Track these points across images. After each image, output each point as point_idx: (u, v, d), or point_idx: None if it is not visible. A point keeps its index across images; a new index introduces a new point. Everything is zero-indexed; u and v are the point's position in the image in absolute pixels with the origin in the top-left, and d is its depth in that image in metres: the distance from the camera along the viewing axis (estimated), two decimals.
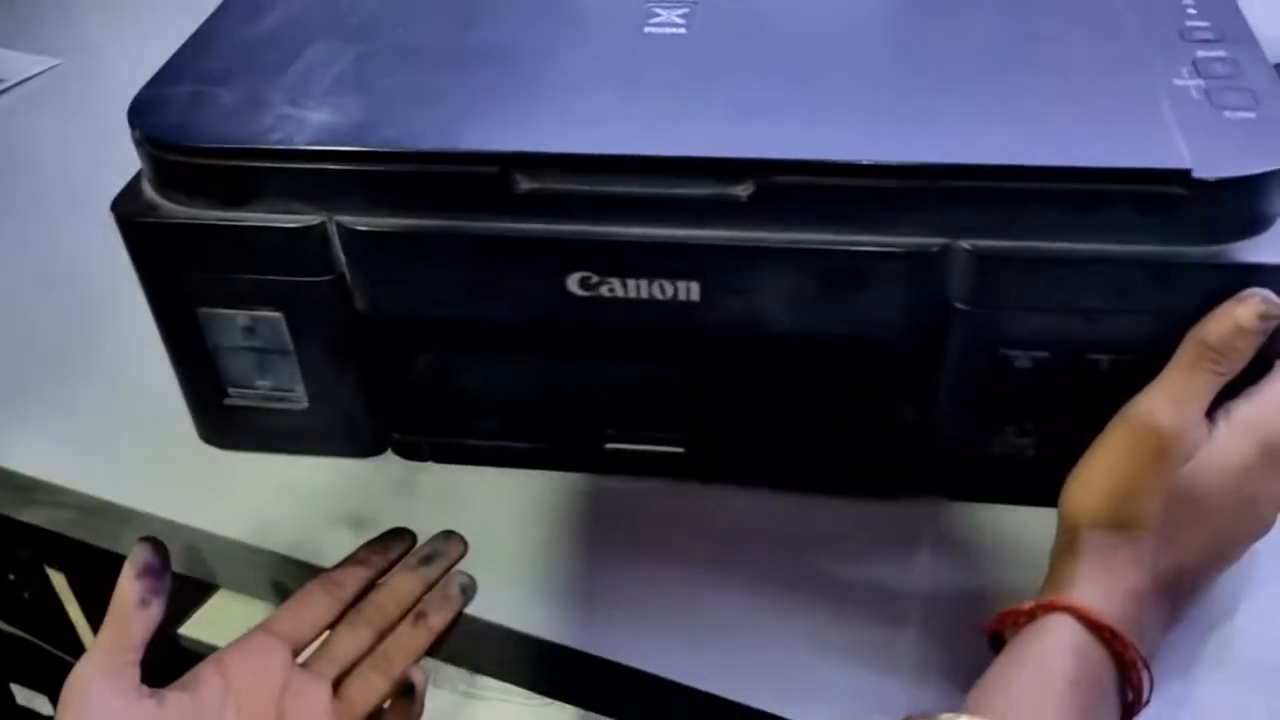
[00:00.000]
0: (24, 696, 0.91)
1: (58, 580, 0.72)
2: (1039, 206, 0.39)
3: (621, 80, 0.44)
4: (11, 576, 0.76)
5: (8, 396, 0.56)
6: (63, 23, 0.92)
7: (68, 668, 0.80)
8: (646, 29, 0.47)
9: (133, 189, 0.46)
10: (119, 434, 0.54)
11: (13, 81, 0.83)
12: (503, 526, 0.48)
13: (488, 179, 0.42)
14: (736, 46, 0.46)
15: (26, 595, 0.77)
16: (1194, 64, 0.43)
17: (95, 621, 0.75)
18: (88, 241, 0.65)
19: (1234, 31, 0.44)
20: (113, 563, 0.59)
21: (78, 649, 0.78)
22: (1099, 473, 0.39)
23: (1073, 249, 0.40)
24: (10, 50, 0.86)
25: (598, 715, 0.75)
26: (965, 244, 0.40)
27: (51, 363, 0.58)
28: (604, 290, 0.43)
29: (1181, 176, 0.38)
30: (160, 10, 0.90)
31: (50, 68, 0.85)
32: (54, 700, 0.91)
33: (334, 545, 0.47)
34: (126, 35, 0.88)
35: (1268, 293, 0.38)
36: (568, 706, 0.75)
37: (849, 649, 0.43)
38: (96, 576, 0.73)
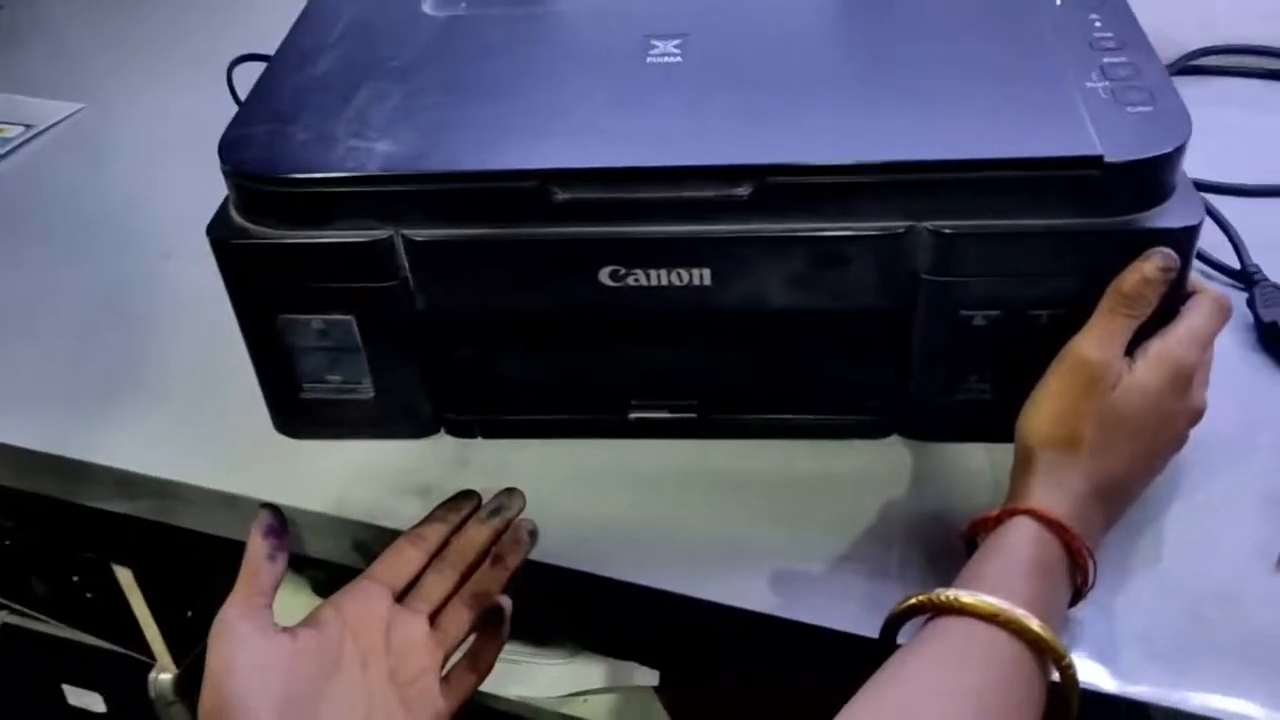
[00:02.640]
0: (75, 696, 0.98)
1: (124, 576, 0.79)
2: (983, 191, 0.48)
3: (633, 104, 0.53)
4: (75, 578, 0.82)
5: (100, 406, 0.63)
6: (82, 70, 0.98)
7: (124, 663, 0.89)
8: (648, 59, 0.55)
9: (222, 216, 0.53)
10: (200, 430, 0.61)
11: (41, 127, 0.89)
12: (546, 487, 0.56)
13: (528, 192, 0.50)
14: (727, 69, 0.54)
15: (89, 595, 0.83)
16: (1101, 69, 0.52)
17: (159, 614, 0.81)
18: (140, 269, 0.73)
19: (1133, 40, 0.54)
20: (179, 556, 0.66)
21: (140, 643, 0.84)
22: (1045, 402, 0.49)
23: (1013, 224, 0.49)
24: (35, 98, 0.93)
25: (621, 663, 0.84)
26: (927, 225, 0.49)
27: (133, 379, 0.65)
28: (630, 280, 0.52)
29: (1095, 161, 0.47)
30: (169, 59, 0.98)
31: (74, 112, 0.92)
32: (107, 698, 0.97)
33: (404, 512, 0.55)
34: (142, 81, 0.95)
35: (1168, 250, 0.48)
36: (592, 661, 0.84)
37: (848, 564, 0.52)
38: (163, 571, 0.80)
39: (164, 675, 0.88)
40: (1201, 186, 0.70)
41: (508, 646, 0.86)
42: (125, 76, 0.96)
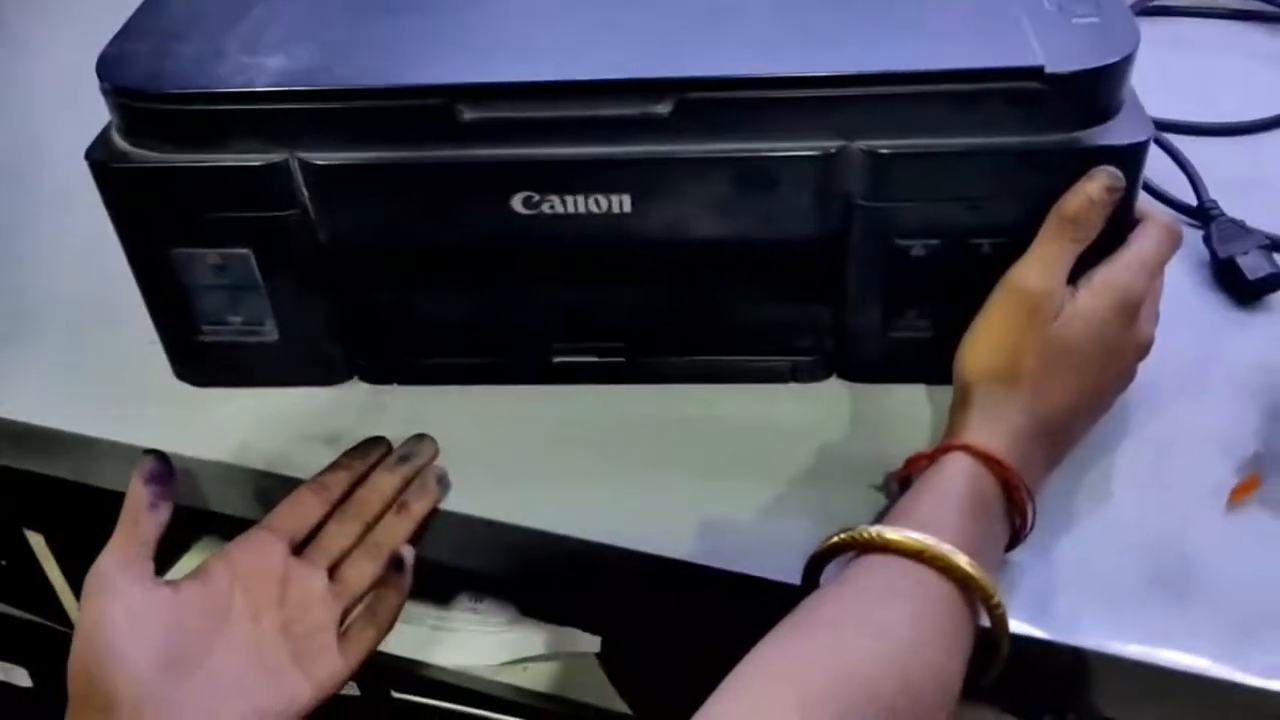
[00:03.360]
0: (0, 671, 0.94)
1: (36, 541, 0.75)
2: (918, 107, 0.45)
3: (549, 17, 0.49)
4: None
5: None
6: None
7: (46, 634, 0.85)
8: None
9: (103, 139, 0.50)
10: (97, 378, 0.58)
11: None
12: (464, 435, 0.53)
13: (433, 110, 0.46)
14: None
15: (3, 563, 0.79)
16: None
17: (75, 581, 0.78)
18: (33, 210, 0.69)
19: None
20: (93, 519, 0.63)
21: (57, 612, 0.80)
22: (984, 334, 0.46)
23: (951, 143, 0.46)
24: None
25: (562, 630, 0.81)
26: (860, 145, 0.46)
27: (26, 319, 0.61)
28: (545, 208, 0.48)
29: (1036, 72, 0.44)
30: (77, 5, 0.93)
31: None
32: (32, 672, 0.93)
33: (311, 461, 0.52)
34: (44, 14, 0.90)
35: (1113, 170, 0.45)
36: (533, 628, 0.81)
37: (784, 512, 0.49)
38: (76, 535, 0.76)
39: None
40: (1162, 125, 0.67)
41: (447, 613, 0.84)
42: (29, 12, 0.92)
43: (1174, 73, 0.73)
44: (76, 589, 0.78)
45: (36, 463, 0.58)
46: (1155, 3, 0.80)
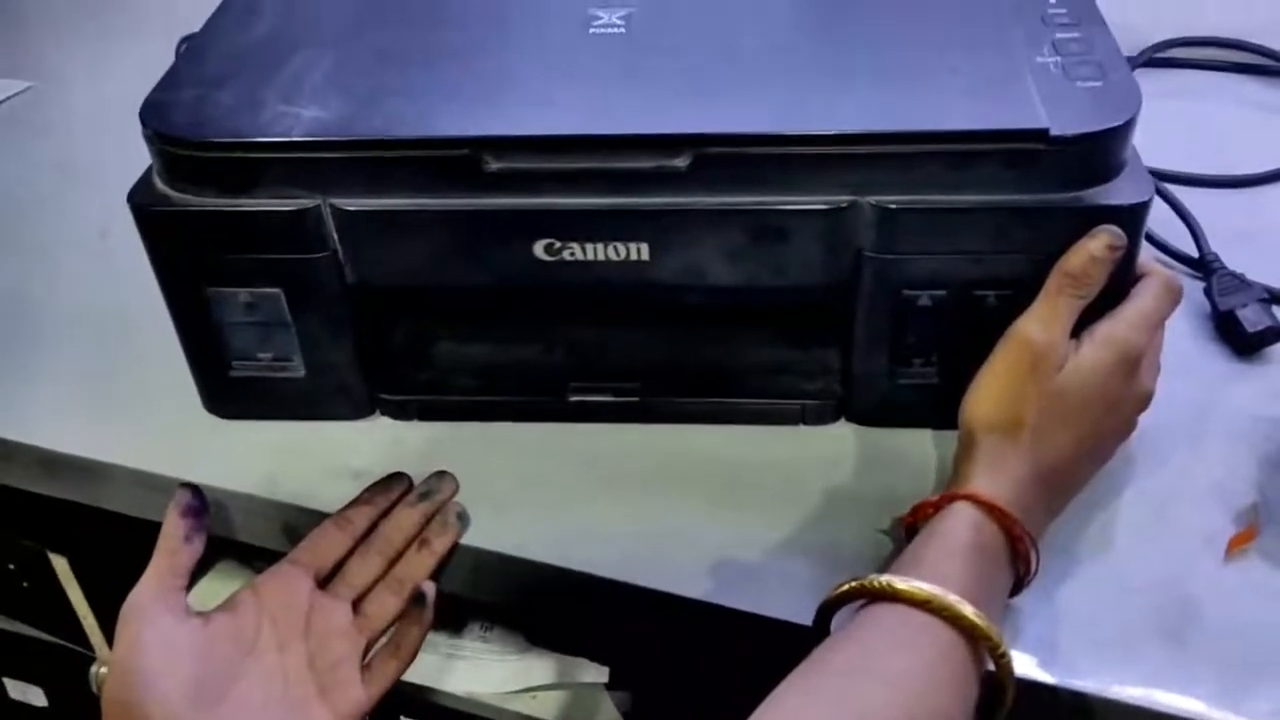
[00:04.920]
0: (17, 690, 0.95)
1: (60, 565, 0.77)
2: (927, 165, 0.47)
3: (573, 73, 0.51)
4: (12, 566, 0.80)
5: (26, 384, 0.61)
6: (32, 48, 0.97)
7: (64, 655, 0.86)
8: (591, 30, 0.54)
9: (145, 182, 0.52)
10: (127, 408, 0.59)
11: None
12: (481, 470, 0.54)
13: (460, 160, 0.48)
14: (670, 42, 0.53)
15: (26, 584, 0.81)
16: (1053, 44, 0.51)
17: (96, 604, 0.79)
18: (75, 246, 0.71)
19: (1086, 16, 0.53)
20: (116, 544, 0.64)
21: (78, 634, 0.82)
22: (988, 384, 0.47)
23: (958, 200, 0.47)
24: None
25: (571, 659, 0.82)
26: (870, 200, 0.48)
27: (59, 349, 0.63)
28: (566, 255, 0.50)
29: (1041, 134, 0.46)
30: (121, 37, 0.96)
31: (22, 90, 0.90)
32: (49, 692, 0.95)
33: (336, 495, 0.53)
34: (92, 59, 0.93)
35: (1115, 229, 0.46)
36: (542, 657, 0.82)
37: (794, 552, 0.50)
38: (99, 559, 0.78)
39: (105, 669, 0.85)
40: (1164, 176, 0.69)
41: (458, 641, 0.85)
42: (75, 54, 0.95)
43: (1176, 124, 0.75)
44: (98, 612, 0.79)
45: (65, 490, 0.60)
46: (1158, 55, 0.82)
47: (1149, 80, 0.80)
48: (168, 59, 0.80)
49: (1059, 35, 0.51)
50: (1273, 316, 0.57)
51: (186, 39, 0.80)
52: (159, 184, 0.51)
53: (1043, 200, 0.47)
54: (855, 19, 0.54)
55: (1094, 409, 0.47)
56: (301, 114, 0.49)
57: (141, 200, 0.51)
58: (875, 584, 0.41)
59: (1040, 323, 0.47)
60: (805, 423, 0.56)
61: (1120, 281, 0.48)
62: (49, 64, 0.93)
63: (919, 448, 0.54)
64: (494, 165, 0.48)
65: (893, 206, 0.48)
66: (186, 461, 0.56)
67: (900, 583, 0.40)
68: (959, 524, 0.44)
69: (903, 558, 0.44)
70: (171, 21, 0.82)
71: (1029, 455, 0.46)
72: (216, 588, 0.87)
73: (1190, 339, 0.59)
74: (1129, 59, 0.81)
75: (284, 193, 0.50)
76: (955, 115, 0.47)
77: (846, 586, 0.42)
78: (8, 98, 0.89)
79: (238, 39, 0.55)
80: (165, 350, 0.57)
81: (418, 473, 0.54)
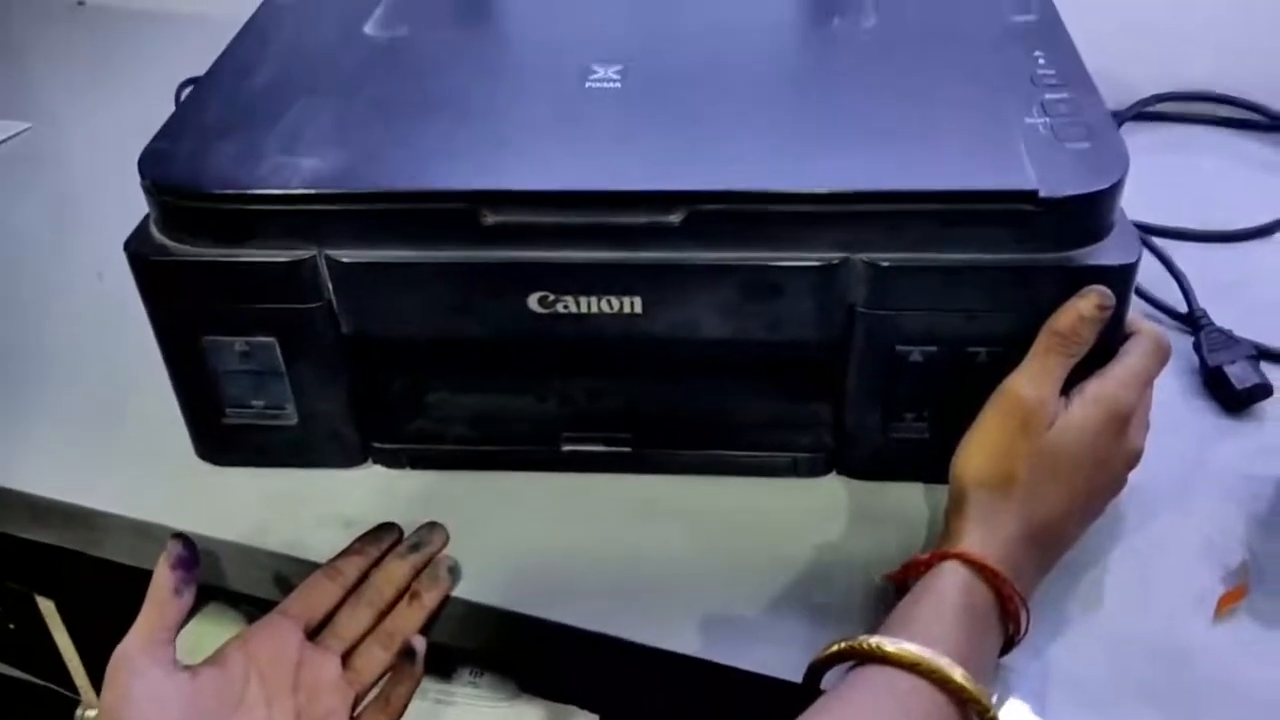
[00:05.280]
0: None
1: (46, 607, 0.76)
2: (918, 224, 0.47)
3: (569, 127, 0.52)
4: None
5: (17, 428, 0.61)
6: (32, 89, 0.97)
7: (52, 697, 0.85)
8: (587, 84, 0.55)
9: (142, 231, 0.52)
10: (119, 455, 0.59)
11: None
12: (472, 520, 0.54)
13: (457, 213, 0.48)
14: (666, 97, 0.54)
15: (12, 626, 0.80)
16: (1042, 105, 0.51)
17: (82, 647, 0.79)
18: (69, 289, 0.71)
19: (1075, 78, 0.53)
20: (103, 587, 0.64)
21: (64, 677, 0.81)
22: (979, 442, 0.47)
23: (949, 258, 0.48)
24: None
25: (561, 707, 0.81)
26: (862, 256, 0.48)
27: (51, 394, 0.63)
28: (560, 307, 0.50)
29: (1030, 196, 0.46)
30: (120, 79, 0.97)
31: (21, 131, 0.90)
32: None
33: (327, 543, 0.53)
34: (91, 101, 0.94)
35: (1103, 289, 0.47)
36: (533, 704, 0.82)
37: (785, 606, 0.50)
38: (87, 603, 0.77)
39: (90, 712, 0.84)
40: (1152, 230, 0.70)
41: (448, 687, 0.85)
42: (75, 96, 0.95)
43: (1166, 178, 0.76)
44: (84, 656, 0.79)
45: (54, 536, 0.60)
46: (1148, 108, 0.83)
47: (1139, 133, 0.82)
48: (167, 100, 0.81)
49: (1048, 96, 0.52)
50: (1260, 373, 0.58)
51: (187, 82, 0.81)
52: (156, 233, 0.51)
53: (1032, 260, 0.48)
54: (849, 77, 0.54)
55: (1084, 466, 0.47)
56: (300, 165, 0.50)
57: (138, 249, 0.51)
58: (865, 645, 0.41)
59: (1031, 380, 0.47)
60: (798, 475, 0.56)
61: (1109, 339, 0.49)
62: (48, 104, 0.94)
63: (911, 502, 0.54)
64: (491, 219, 0.48)
65: (884, 264, 0.48)
66: (177, 508, 0.56)
67: (890, 645, 0.40)
68: (949, 584, 0.44)
69: (893, 617, 0.44)
70: (171, 63, 0.83)
71: (1019, 512, 0.46)
72: (205, 630, 0.87)
73: (1179, 395, 0.59)
74: (1119, 112, 0.82)
75: (280, 244, 0.50)
76: (946, 175, 0.47)
77: (836, 647, 0.42)
78: (7, 138, 0.89)
79: (237, 88, 0.56)
80: (158, 395, 0.57)
81: (410, 522, 0.54)
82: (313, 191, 0.49)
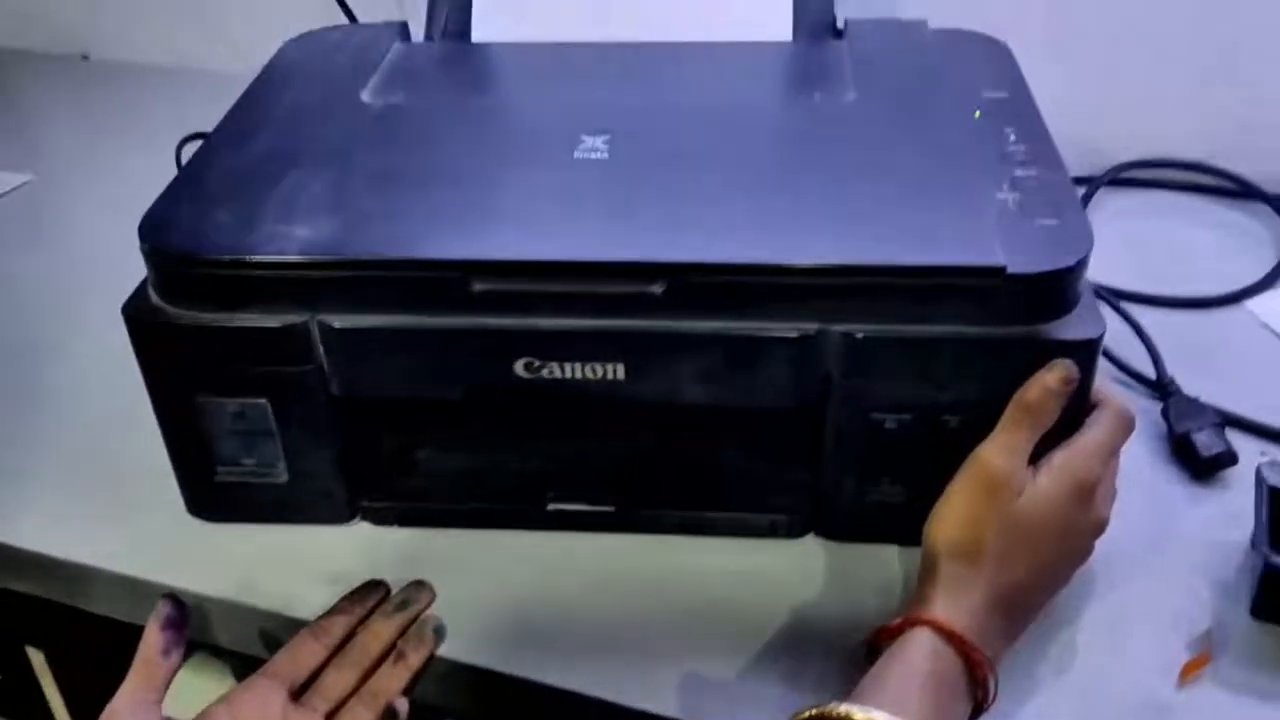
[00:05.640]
0: None
1: (36, 659, 0.77)
2: (891, 297, 0.49)
3: (557, 197, 0.54)
4: None
5: (8, 483, 0.62)
6: (33, 142, 0.99)
7: None
8: (576, 154, 0.56)
9: (139, 295, 0.53)
10: (110, 510, 0.60)
11: None
12: (462, 578, 0.55)
13: (447, 282, 0.50)
14: (650, 168, 0.55)
15: (1, 677, 0.81)
16: (1011, 181, 0.53)
17: (70, 698, 0.79)
18: (61, 344, 0.72)
19: (1044, 155, 0.55)
20: (92, 639, 0.65)
21: None
22: (949, 510, 0.49)
23: (921, 330, 0.49)
24: None
25: None
26: (837, 328, 0.50)
27: (44, 451, 0.65)
28: (545, 373, 0.52)
29: (998, 272, 0.48)
30: (121, 134, 0.99)
31: (21, 184, 0.92)
32: None
33: (315, 600, 0.54)
34: (92, 156, 0.96)
35: (1069, 362, 0.49)
36: None
37: (761, 668, 0.51)
38: (76, 654, 0.78)
39: None
40: (1124, 296, 0.72)
41: None
42: (75, 150, 0.97)
43: (1138, 243, 0.78)
44: (72, 706, 0.79)
45: (43, 589, 0.61)
46: (1123, 175, 0.85)
47: (1113, 199, 0.84)
48: (168, 154, 0.83)
49: (1017, 173, 0.54)
50: (1225, 441, 0.59)
51: (187, 139, 0.83)
52: (153, 296, 0.53)
53: (1001, 333, 0.49)
54: (828, 152, 0.56)
55: (1050, 536, 0.48)
56: (294, 233, 0.51)
57: (135, 312, 0.53)
58: (835, 714, 0.42)
59: (1001, 451, 0.48)
60: (775, 535, 0.57)
61: (1075, 410, 0.50)
62: (49, 157, 0.95)
63: (886, 563, 0.56)
64: (479, 287, 0.50)
65: (859, 335, 0.50)
66: (166, 564, 0.57)
67: (859, 713, 0.41)
68: (918, 651, 0.45)
69: (864, 683, 0.45)
70: (173, 118, 0.85)
71: (988, 580, 0.47)
72: (188, 680, 0.87)
73: (1147, 460, 0.60)
74: (1096, 177, 0.84)
75: (274, 309, 0.51)
76: (919, 250, 0.49)
77: (807, 714, 0.43)
78: (7, 191, 0.91)
79: (235, 155, 0.57)
80: (150, 451, 0.58)
81: (397, 579, 0.55)
82: (307, 259, 0.50)
